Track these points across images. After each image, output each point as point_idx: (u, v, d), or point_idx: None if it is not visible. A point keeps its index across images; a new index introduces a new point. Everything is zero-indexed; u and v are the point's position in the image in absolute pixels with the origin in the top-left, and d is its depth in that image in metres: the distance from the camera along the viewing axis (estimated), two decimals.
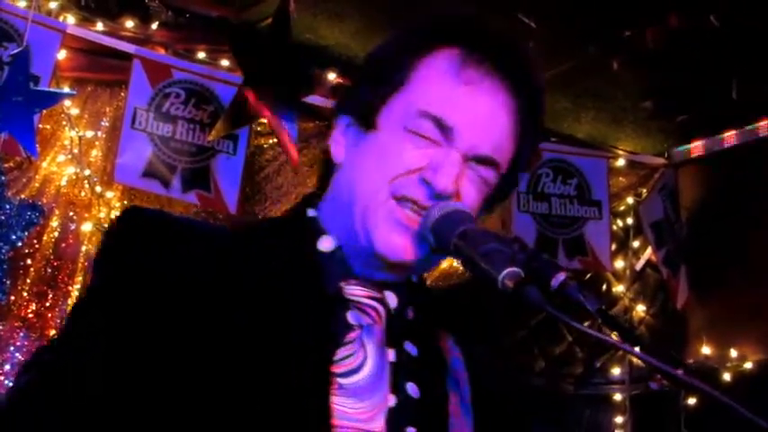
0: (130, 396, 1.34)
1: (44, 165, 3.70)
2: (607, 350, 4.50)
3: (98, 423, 1.36)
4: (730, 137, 4.21)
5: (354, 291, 1.43)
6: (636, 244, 4.41)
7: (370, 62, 1.54)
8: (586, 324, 1.23)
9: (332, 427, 1.34)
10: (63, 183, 3.76)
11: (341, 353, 1.38)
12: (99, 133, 3.91)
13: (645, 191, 4.38)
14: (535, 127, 1.48)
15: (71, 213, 3.62)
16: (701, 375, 4.40)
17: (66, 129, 3.76)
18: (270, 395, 1.35)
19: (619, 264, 4.40)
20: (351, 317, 1.41)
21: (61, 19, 3.71)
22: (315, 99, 3.88)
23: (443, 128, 1.40)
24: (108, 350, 1.36)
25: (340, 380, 1.38)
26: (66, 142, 3.76)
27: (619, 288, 4.45)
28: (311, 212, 1.48)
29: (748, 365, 4.17)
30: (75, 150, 3.77)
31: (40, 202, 3.64)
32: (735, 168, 4.31)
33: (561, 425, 4.76)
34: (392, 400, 1.41)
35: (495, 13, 3.59)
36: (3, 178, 3.80)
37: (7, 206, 3.70)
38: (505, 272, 1.26)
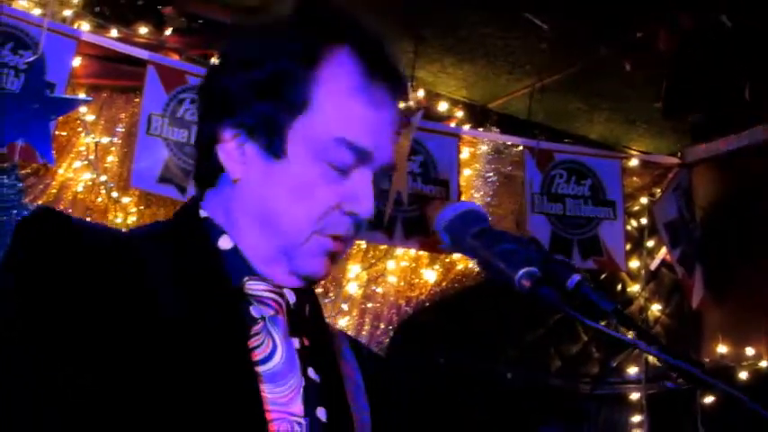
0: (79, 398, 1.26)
1: (60, 171, 3.62)
2: (623, 350, 4.45)
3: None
4: (744, 136, 4.13)
5: (255, 286, 1.41)
6: (650, 244, 4.34)
7: (254, 74, 1.40)
8: (603, 324, 1.24)
9: (264, 412, 1.34)
10: (79, 189, 3.71)
11: (252, 343, 1.38)
12: (115, 139, 3.88)
13: (659, 191, 4.32)
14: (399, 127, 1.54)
15: (88, 218, 3.62)
16: (717, 374, 4.30)
17: (83, 135, 3.69)
18: (201, 392, 1.31)
19: (633, 264, 4.32)
20: (253, 311, 1.40)
21: (76, 26, 3.66)
22: None
23: (363, 154, 1.37)
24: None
25: (258, 368, 1.37)
26: (83, 148, 3.71)
27: (634, 288, 4.40)
28: (203, 213, 1.45)
29: (764, 364, 4.09)
30: (92, 156, 3.71)
31: (55, 208, 3.95)
32: (749, 168, 4.23)
33: (578, 424, 4.73)
34: (304, 382, 1.41)
35: (504, 14, 3.69)
36: (20, 185, 3.81)
37: (25, 212, 3.66)
38: (522, 271, 1.25)
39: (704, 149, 4.26)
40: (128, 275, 1.35)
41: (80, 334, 1.28)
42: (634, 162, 4.35)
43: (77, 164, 3.71)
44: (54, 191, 3.65)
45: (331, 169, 1.38)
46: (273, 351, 1.42)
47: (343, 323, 4.09)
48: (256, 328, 1.40)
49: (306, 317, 1.51)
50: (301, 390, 1.41)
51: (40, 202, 3.64)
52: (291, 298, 1.45)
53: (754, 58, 3.93)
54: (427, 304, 4.10)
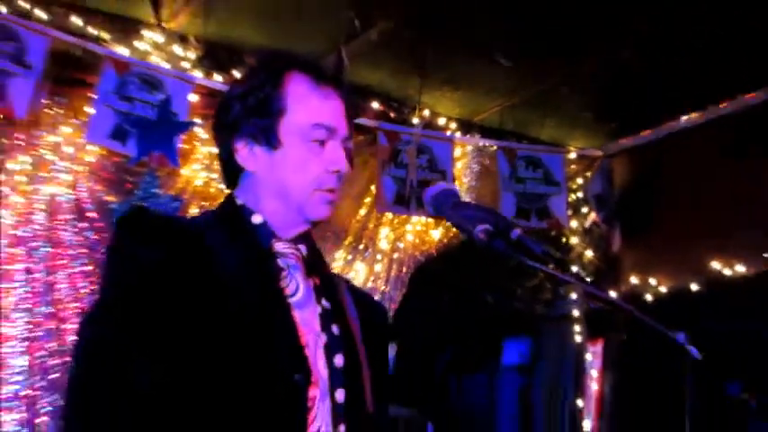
0: (160, 355, 1.51)
1: (184, 172, 4.08)
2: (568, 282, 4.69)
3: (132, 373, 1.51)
4: (647, 133, 4.64)
5: (280, 246, 1.69)
6: (584, 210, 4.84)
7: (248, 102, 1.70)
8: (541, 264, 1.55)
9: (297, 328, 1.60)
10: (198, 183, 4.19)
11: (282, 284, 1.65)
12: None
13: (589, 174, 4.84)
14: (353, 112, 1.80)
15: (203, 203, 4.04)
16: (630, 298, 4.69)
17: (199, 146, 4.17)
18: (254, 317, 1.58)
19: (573, 224, 4.83)
20: (281, 262, 1.67)
21: (192, 73, 4.08)
22: (363, 121, 4.36)
23: (331, 129, 1.67)
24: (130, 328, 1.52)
25: (289, 299, 1.64)
26: (200, 156, 4.18)
27: (574, 240, 4.90)
28: (239, 201, 1.71)
29: (663, 289, 4.57)
30: (206, 161, 4.19)
31: (181, 197, 4.15)
32: (648, 155, 4.75)
33: (535, 337, 5.21)
34: (320, 309, 1.68)
35: (482, 56, 4.03)
36: (157, 182, 4.11)
37: (160, 199, 4.04)
38: (479, 228, 1.53)
39: (618, 145, 4.78)
40: (192, 245, 1.60)
41: (157, 279, 1.53)
42: (572, 155, 4.80)
43: (196, 166, 4.17)
44: (180, 185, 4.12)
45: (314, 145, 1.65)
46: (297, 288, 1.67)
47: (378, 268, 4.56)
48: (284, 274, 1.65)
49: (315, 265, 1.74)
50: (318, 314, 1.68)
51: (171, 192, 4.13)
52: (304, 251, 1.71)
53: (653, 83, 4.14)
54: (435, 254, 4.64)
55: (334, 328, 1.67)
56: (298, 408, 1.55)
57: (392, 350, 4.35)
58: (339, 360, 1.66)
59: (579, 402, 4.75)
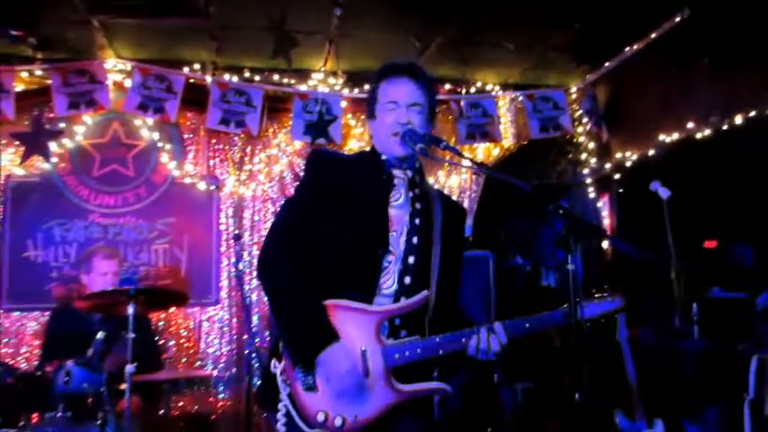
0: (318, 215, 1.97)
1: (346, 148, 4.90)
2: (580, 161, 5.42)
3: (306, 226, 1.98)
4: (610, 65, 5.04)
5: (395, 172, 2.02)
6: (584, 120, 5.35)
7: (368, 95, 2.11)
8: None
9: (389, 217, 1.96)
10: (354, 147, 4.90)
11: (393, 194, 2.01)
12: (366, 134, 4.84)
13: (582, 98, 5.36)
14: (431, 93, 2.04)
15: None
16: (619, 168, 5.10)
17: (353, 130, 5.06)
18: (366, 208, 1.96)
19: (579, 129, 5.42)
20: (396, 180, 2.00)
21: (341, 91, 4.93)
22: (442, 96, 4.95)
23: (396, 103, 1.99)
24: (309, 201, 2.01)
25: (392, 202, 1.99)
26: (357, 134, 5.04)
27: (581, 138, 5.47)
28: (376, 148, 2.06)
29: (634, 157, 4.93)
30: (355, 136, 5.07)
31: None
32: (615, 78, 5.14)
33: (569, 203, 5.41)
34: (411, 209, 2.01)
35: (495, 47, 4.54)
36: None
37: None
38: (419, 145, 1.96)
39: (595, 75, 5.19)
40: (342, 170, 2.00)
41: (319, 180, 1.99)
42: (573, 89, 5.39)
43: (352, 143, 5.03)
44: (346, 149, 4.77)
45: (387, 112, 2.00)
46: (400, 196, 2.03)
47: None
48: (395, 188, 2.02)
49: (416, 183, 2.05)
50: (409, 212, 2.00)
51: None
52: (410, 174, 2.02)
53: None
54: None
55: (417, 221, 1.99)
56: (375, 267, 1.92)
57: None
58: (416, 240, 1.97)
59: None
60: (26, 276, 4.62)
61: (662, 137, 4.68)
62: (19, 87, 4.57)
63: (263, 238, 2.04)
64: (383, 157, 2.04)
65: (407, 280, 1.95)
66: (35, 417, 3.00)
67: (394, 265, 1.94)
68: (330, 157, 2.11)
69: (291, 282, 1.89)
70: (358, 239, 1.92)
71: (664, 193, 4.11)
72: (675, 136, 4.60)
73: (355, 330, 1.90)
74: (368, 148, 2.15)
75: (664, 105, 4.65)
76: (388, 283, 1.94)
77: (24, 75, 4.63)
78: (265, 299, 2.21)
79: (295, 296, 1.89)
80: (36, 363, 4.02)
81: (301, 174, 2.47)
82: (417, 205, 2.02)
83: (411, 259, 1.95)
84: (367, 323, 1.91)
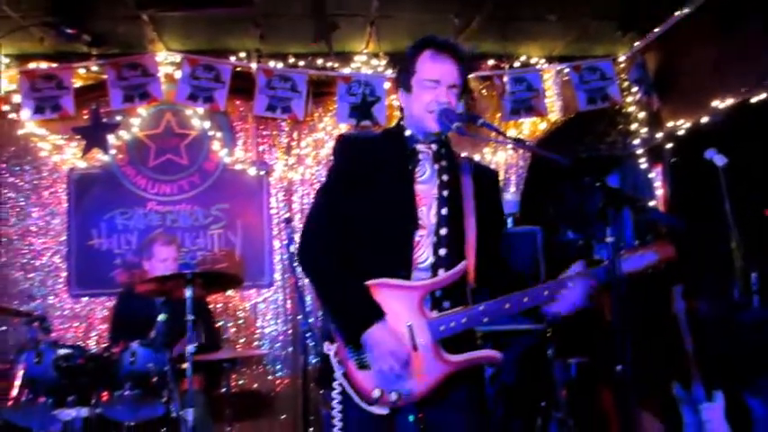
0: (350, 196, 2.02)
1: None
2: (631, 132, 5.33)
3: (340, 207, 2.03)
4: (659, 31, 4.96)
5: (420, 146, 2.04)
6: (633, 89, 5.30)
7: (401, 65, 2.08)
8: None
9: (415, 194, 1.99)
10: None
11: (419, 169, 2.03)
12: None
13: (630, 66, 5.29)
14: (466, 71, 2.04)
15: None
16: (671, 137, 5.02)
17: (397, 111, 4.06)
18: (392, 183, 1.98)
19: (629, 99, 5.34)
20: (420, 155, 2.02)
21: (384, 72, 4.97)
22: (485, 72, 5.05)
23: (438, 81, 1.97)
24: (342, 183, 2.06)
25: (417, 177, 2.02)
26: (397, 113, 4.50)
27: (631, 108, 5.41)
28: (402, 123, 2.08)
29: (687, 125, 4.86)
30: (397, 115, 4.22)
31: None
32: (666, 44, 5.07)
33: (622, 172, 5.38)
34: (438, 182, 2.03)
35: (537, 21, 4.53)
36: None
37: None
38: (456, 124, 1.97)
39: (643, 42, 5.11)
40: (369, 150, 2.05)
41: (346, 164, 2.05)
42: (621, 58, 5.31)
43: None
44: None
45: (427, 89, 1.98)
46: (425, 171, 2.04)
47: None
48: (420, 163, 2.03)
49: (442, 155, 2.05)
50: (437, 185, 2.02)
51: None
52: (435, 148, 2.04)
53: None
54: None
55: (445, 192, 2.02)
56: (407, 243, 1.97)
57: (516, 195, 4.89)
58: (445, 211, 2.00)
59: (652, 202, 5.07)
60: (92, 264, 4.84)
61: (715, 103, 4.60)
62: (77, 84, 4.76)
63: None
64: (407, 133, 2.06)
65: (442, 252, 1.98)
66: (105, 395, 3.13)
67: (426, 238, 1.98)
68: (356, 139, 2.16)
69: (332, 266, 1.96)
70: (387, 218, 1.96)
71: (719, 160, 4.02)
72: (729, 101, 4.52)
73: (399, 306, 1.93)
74: (393, 124, 2.18)
75: (716, 70, 4.57)
76: (423, 256, 1.98)
77: (81, 71, 4.80)
78: None
79: (337, 279, 1.95)
80: (104, 344, 4.22)
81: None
82: (444, 177, 2.04)
83: (443, 231, 1.99)
84: (410, 298, 1.94)
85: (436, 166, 2.05)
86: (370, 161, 2.01)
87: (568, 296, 1.97)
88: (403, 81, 2.07)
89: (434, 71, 1.99)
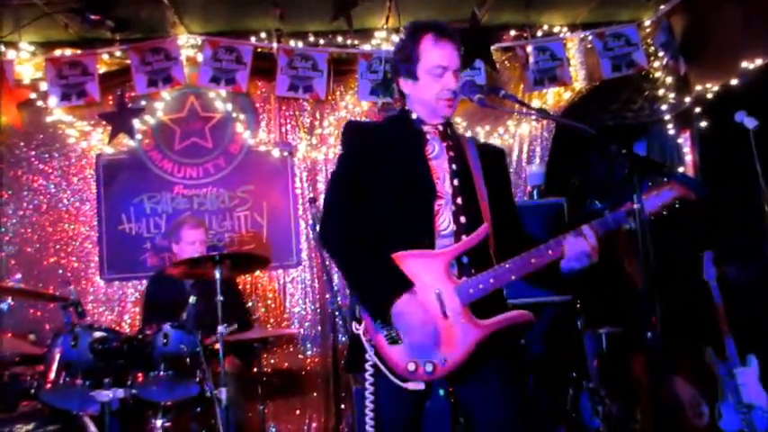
0: (361, 179, 2.06)
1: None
2: (658, 98, 5.20)
3: (353, 189, 2.06)
4: None
5: (426, 128, 2.10)
6: (660, 54, 5.15)
7: (400, 53, 2.09)
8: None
9: (430, 167, 2.04)
10: None
11: (428, 147, 2.08)
12: None
13: (656, 32, 5.14)
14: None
15: None
16: (696, 99, 4.94)
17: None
18: (406, 162, 2.04)
19: (656, 64, 5.22)
20: (428, 136, 2.08)
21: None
22: (508, 43, 4.98)
23: (445, 67, 2.01)
24: (353, 167, 2.09)
25: (428, 155, 2.06)
26: None
27: (658, 74, 5.28)
28: (407, 108, 2.13)
29: (715, 89, 4.78)
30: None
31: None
32: (692, 7, 5.00)
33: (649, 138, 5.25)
34: (448, 157, 2.09)
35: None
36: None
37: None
38: (477, 96, 2.04)
39: (669, 5, 5.02)
40: (377, 135, 2.10)
41: (356, 148, 2.09)
42: (646, 23, 5.15)
43: None
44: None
45: (435, 77, 2.02)
46: (434, 149, 2.09)
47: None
48: (429, 142, 2.08)
49: (448, 135, 2.11)
50: (447, 160, 2.08)
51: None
52: (441, 129, 2.11)
53: None
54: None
55: (455, 166, 2.08)
56: (428, 211, 2.01)
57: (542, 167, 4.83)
58: (456, 182, 2.06)
59: (680, 168, 5.04)
60: (123, 248, 4.88)
61: (744, 64, 4.52)
62: (101, 69, 4.78)
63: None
64: (413, 116, 2.10)
65: (463, 219, 2.01)
66: (140, 376, 3.17)
67: (445, 206, 2.01)
68: (362, 125, 2.22)
69: (354, 244, 1.97)
70: (405, 190, 1.99)
71: (750, 123, 3.95)
72: (759, 62, 4.44)
73: (426, 275, 1.94)
74: (396, 111, 2.21)
75: (745, 30, 4.46)
76: (444, 224, 2.00)
77: (105, 57, 4.81)
78: None
79: (360, 256, 1.95)
80: (138, 327, 4.28)
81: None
82: (452, 153, 2.08)
83: (459, 200, 2.02)
84: (436, 266, 1.95)
85: (444, 144, 2.09)
86: (380, 144, 2.05)
87: (573, 248, 1.98)
88: (406, 70, 2.09)
89: (441, 58, 2.02)
